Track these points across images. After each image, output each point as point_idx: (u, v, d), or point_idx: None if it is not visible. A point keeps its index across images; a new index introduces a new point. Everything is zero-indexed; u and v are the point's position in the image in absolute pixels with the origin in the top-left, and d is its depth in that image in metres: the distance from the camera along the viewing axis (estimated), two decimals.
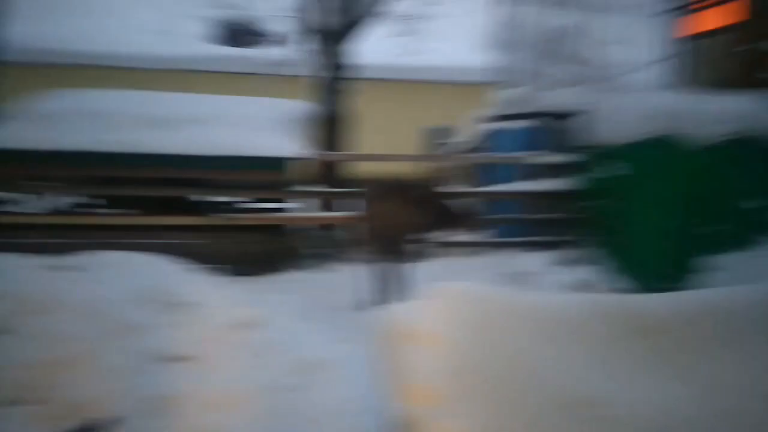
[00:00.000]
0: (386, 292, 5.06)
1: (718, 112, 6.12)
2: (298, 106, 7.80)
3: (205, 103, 7.35)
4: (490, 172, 7.73)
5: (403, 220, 4.49)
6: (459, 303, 2.15)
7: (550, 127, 7.52)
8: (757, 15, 8.36)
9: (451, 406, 1.83)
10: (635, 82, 10.36)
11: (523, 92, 8.17)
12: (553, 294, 4.75)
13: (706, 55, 9.42)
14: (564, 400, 1.88)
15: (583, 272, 5.93)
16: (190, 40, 16.46)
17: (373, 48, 14.35)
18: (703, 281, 6.11)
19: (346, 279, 6.38)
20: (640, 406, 1.80)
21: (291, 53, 11.53)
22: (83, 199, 7.75)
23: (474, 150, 8.81)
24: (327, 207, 7.51)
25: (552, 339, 2.11)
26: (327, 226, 7.48)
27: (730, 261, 6.26)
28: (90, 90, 7.91)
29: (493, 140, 7.78)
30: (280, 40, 11.52)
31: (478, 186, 8.10)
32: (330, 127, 8.05)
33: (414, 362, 1.94)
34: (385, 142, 15.10)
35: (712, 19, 9.25)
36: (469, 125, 9.62)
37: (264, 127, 6.92)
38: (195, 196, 6.75)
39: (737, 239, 6.33)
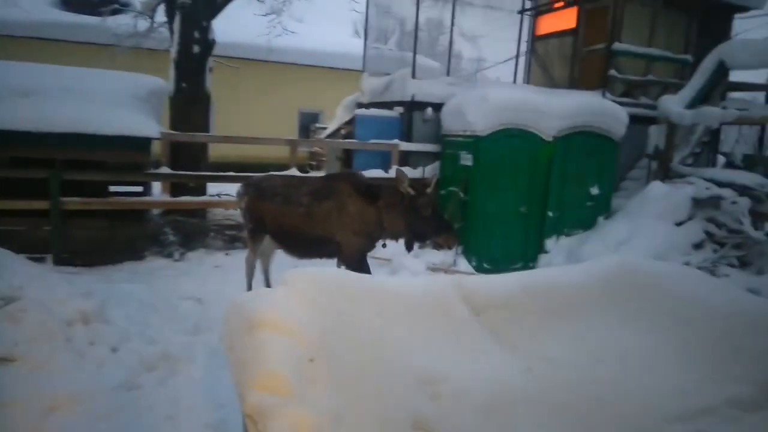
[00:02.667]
0: (251, 280, 4.97)
1: (563, 107, 6.71)
2: (157, 83, 7.28)
3: (59, 76, 6.55)
4: (358, 158, 7.82)
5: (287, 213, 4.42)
6: (311, 289, 2.14)
7: (416, 116, 7.76)
8: (585, 23, 9.29)
9: (302, 392, 1.83)
10: (495, 75, 11.04)
11: (392, 81, 8.32)
12: (403, 277, 4.96)
13: (554, 55, 10.30)
14: (408, 380, 1.95)
15: (440, 255, 6.23)
16: (39, 5, 14.72)
17: (243, 26, 13.83)
18: (546, 261, 6.73)
19: (205, 267, 6.15)
20: (475, 380, 1.92)
21: (151, 25, 10.73)
22: None
23: (344, 136, 8.84)
24: (185, 191, 7.12)
25: (400, 321, 2.19)
26: (191, 212, 7.11)
27: (571, 241, 6.95)
28: None
29: (361, 126, 7.86)
30: (140, 10, 10.62)
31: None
32: (191, 106, 7.61)
33: (265, 351, 1.91)
34: (252, 125, 14.71)
35: (557, 23, 10.11)
36: (340, 111, 9.64)
37: (124, 103, 6.37)
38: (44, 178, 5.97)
39: (581, 221, 7.07)
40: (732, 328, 2.22)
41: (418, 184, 4.30)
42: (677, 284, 2.47)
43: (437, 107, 7.47)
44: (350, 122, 8.53)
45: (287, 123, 16.32)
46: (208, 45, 7.61)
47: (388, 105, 8.20)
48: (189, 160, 7.17)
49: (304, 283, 2.18)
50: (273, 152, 11.79)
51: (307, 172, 13.18)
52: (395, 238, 4.47)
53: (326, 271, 2.31)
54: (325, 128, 12.02)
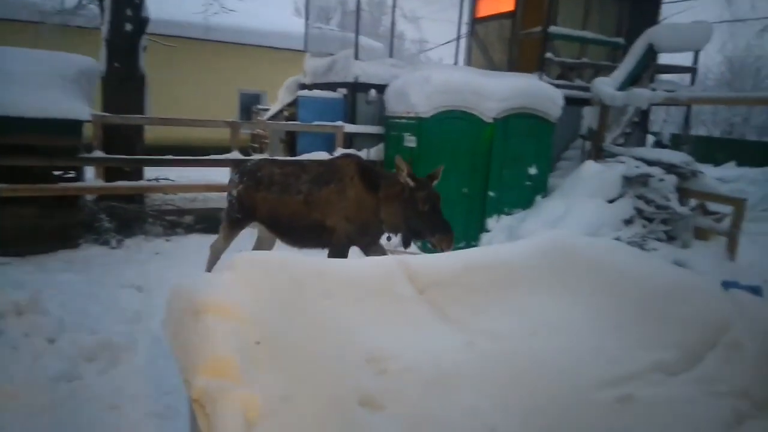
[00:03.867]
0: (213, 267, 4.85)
1: (502, 89, 6.85)
2: (88, 63, 6.93)
3: None
4: (302, 140, 7.75)
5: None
6: (256, 272, 2.14)
7: (360, 98, 7.75)
8: (523, 6, 9.50)
9: (249, 375, 1.84)
10: (437, 57, 11.13)
11: (335, 61, 8.25)
12: (348, 258, 4.99)
13: (493, 37, 10.47)
14: (355, 358, 2.00)
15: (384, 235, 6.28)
16: None
17: (178, 4, 13.31)
18: (487, 239, 6.93)
19: (144, 254, 5.98)
20: (420, 356, 1.99)
21: (80, 2, 10.17)
22: None
23: (286, 117, 8.73)
24: (120, 176, 6.86)
25: (347, 301, 2.22)
26: (127, 198, 6.87)
27: (511, 220, 7.17)
28: None
29: (304, 108, 7.77)
30: None
31: (290, 154, 8.10)
32: (124, 87, 7.30)
33: (211, 335, 1.90)
34: (190, 106, 14.27)
35: (496, 5, 10.26)
36: (283, 92, 9.50)
37: (52, 84, 6.04)
38: None
39: (520, 200, 7.29)
40: (658, 297, 2.37)
41: (424, 176, 4.11)
42: (609, 258, 2.62)
43: (381, 89, 7.48)
44: (293, 104, 8.43)
45: (227, 104, 15.91)
46: (141, 23, 7.29)
47: (332, 86, 8.15)
48: (123, 144, 6.90)
49: (250, 267, 2.18)
50: (213, 134, 11.51)
51: (250, 154, 12.95)
52: (393, 231, 4.31)
53: (272, 254, 2.31)
54: (267, 110, 11.82)
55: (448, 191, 6.74)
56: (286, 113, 8.89)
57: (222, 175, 8.47)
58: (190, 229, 6.80)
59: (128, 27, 7.14)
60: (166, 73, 14.05)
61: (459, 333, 2.11)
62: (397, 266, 2.32)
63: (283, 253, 2.40)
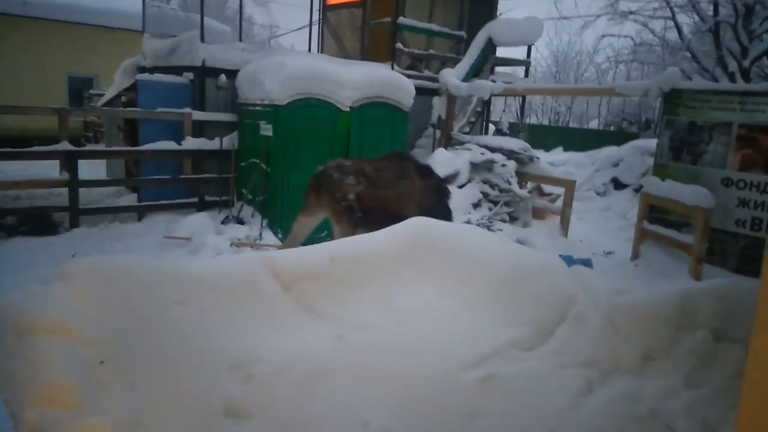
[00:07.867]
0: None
1: (357, 78, 6.87)
2: None
3: None
4: (144, 129, 7.12)
5: None
6: (93, 281, 1.88)
7: (209, 83, 7.32)
8: None
9: (93, 401, 1.61)
10: (290, 43, 10.89)
11: (179, 43, 7.65)
12: (205, 257, 4.71)
13: (345, 26, 10.50)
14: (218, 367, 1.85)
15: (245, 230, 6.06)
16: None
17: None
18: None
19: None
20: (289, 356, 1.89)
21: None
22: None
23: (125, 104, 7.96)
24: None
25: (205, 305, 2.05)
26: None
27: None
28: None
29: (144, 93, 7.14)
30: None
31: (131, 143, 7.41)
32: None
33: (42, 358, 1.63)
34: (7, 91, 12.49)
35: None
36: (119, 76, 8.65)
37: None
38: None
39: None
40: (512, 278, 2.52)
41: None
42: (465, 243, 2.72)
43: (231, 74, 7.10)
44: (132, 88, 7.69)
45: (54, 89, 14.14)
46: None
47: (176, 70, 7.56)
48: None
49: (85, 275, 1.91)
50: (37, 123, 10.16)
51: (83, 144, 11.68)
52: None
53: (110, 259, 2.04)
54: (101, 95, 10.70)
55: (307, 180, 6.63)
56: (124, 99, 8.09)
57: (49, 168, 7.51)
58: (12, 232, 5.92)
59: None
60: None
61: (328, 327, 2.05)
62: (260, 263, 2.19)
63: (125, 257, 2.14)
